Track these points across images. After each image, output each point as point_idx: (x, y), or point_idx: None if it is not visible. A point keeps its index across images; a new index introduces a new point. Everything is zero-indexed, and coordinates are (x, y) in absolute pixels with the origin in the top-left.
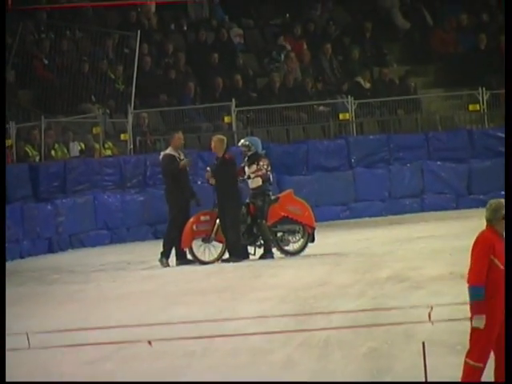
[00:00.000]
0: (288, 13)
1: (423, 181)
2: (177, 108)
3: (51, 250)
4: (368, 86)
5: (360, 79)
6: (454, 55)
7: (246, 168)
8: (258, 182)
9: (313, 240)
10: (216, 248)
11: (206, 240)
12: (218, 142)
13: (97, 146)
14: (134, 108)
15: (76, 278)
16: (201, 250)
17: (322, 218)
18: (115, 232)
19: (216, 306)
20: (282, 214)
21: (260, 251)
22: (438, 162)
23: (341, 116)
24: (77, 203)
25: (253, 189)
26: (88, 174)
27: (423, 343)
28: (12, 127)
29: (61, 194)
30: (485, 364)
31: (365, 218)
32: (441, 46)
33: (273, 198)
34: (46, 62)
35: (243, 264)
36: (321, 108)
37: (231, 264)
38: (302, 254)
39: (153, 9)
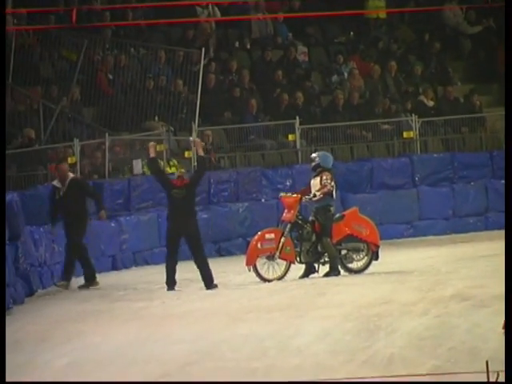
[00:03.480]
0: (352, 31)
1: (487, 199)
2: (241, 125)
3: (115, 267)
4: (432, 104)
5: (423, 98)
6: None
7: (312, 181)
8: (321, 197)
9: (377, 258)
10: (280, 266)
11: (271, 258)
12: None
13: (161, 163)
14: (198, 125)
15: (140, 295)
16: (265, 267)
17: (386, 236)
18: None
19: (280, 324)
20: (347, 231)
21: (324, 268)
22: (503, 181)
23: (405, 134)
24: (141, 221)
25: (316, 202)
26: (152, 191)
27: (487, 362)
28: (76, 144)
29: (125, 211)
30: None
31: (429, 236)
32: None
33: (338, 215)
34: (111, 78)
35: (307, 281)
36: (385, 126)
37: (295, 281)
38: (366, 271)
39: (212, 26)
